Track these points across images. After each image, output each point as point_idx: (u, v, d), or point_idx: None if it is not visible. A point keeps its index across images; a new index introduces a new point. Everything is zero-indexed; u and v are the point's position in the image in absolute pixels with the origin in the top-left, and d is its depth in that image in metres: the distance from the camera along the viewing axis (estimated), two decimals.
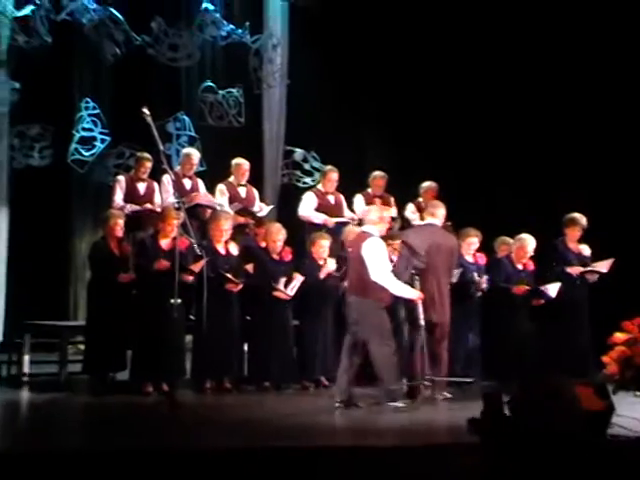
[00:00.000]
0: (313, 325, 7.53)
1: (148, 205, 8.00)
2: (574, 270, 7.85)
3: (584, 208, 8.08)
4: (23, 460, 4.58)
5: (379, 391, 6.46)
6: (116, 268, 7.05)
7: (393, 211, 8.72)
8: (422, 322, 6.62)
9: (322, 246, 7.62)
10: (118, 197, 8.08)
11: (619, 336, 5.45)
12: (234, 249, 7.48)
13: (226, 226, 7.38)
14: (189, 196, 7.94)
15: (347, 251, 6.98)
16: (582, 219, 7.97)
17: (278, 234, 7.51)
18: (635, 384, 5.39)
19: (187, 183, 8.30)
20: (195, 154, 8.49)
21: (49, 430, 5.66)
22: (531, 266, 7.94)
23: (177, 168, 8.50)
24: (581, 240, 8.06)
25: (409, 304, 6.73)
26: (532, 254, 7.88)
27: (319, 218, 8.47)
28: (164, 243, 7.09)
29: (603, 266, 7.78)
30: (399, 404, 6.31)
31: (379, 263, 6.39)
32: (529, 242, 7.86)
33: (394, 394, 6.36)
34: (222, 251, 7.37)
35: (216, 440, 5.30)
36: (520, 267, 7.89)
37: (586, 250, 8.03)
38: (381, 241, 6.52)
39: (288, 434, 5.46)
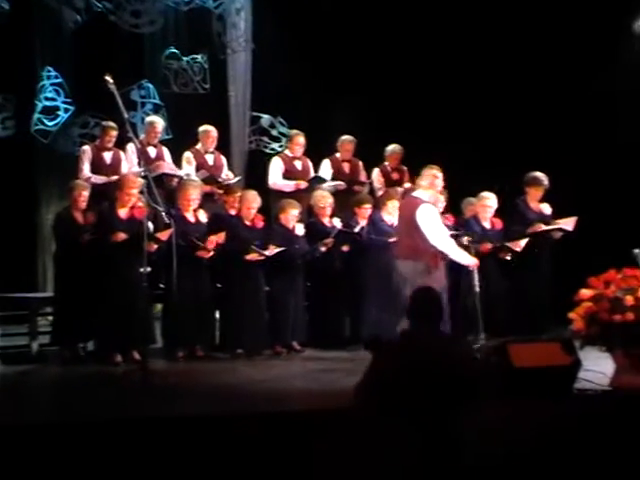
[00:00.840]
0: (284, 291, 7.54)
1: (114, 177, 7.91)
2: (538, 227, 7.90)
3: (546, 167, 8.13)
4: None
5: None
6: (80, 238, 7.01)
7: (364, 176, 8.76)
8: (477, 288, 6.79)
9: (292, 215, 7.63)
10: (85, 167, 8.00)
11: (585, 292, 5.51)
12: (203, 217, 7.46)
13: (194, 194, 7.35)
14: (154, 165, 7.88)
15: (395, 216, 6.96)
16: (544, 179, 8.01)
17: (253, 201, 7.49)
18: (601, 339, 5.47)
19: (152, 151, 8.23)
20: (159, 122, 8.41)
21: (21, 403, 5.65)
22: (499, 224, 8.02)
23: (142, 137, 8.41)
24: (542, 200, 8.11)
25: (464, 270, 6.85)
26: (494, 210, 7.93)
27: (289, 186, 8.45)
28: (122, 212, 7.06)
29: (568, 224, 7.85)
30: None
31: (436, 228, 6.50)
32: (489, 199, 7.93)
33: None
34: (191, 219, 7.35)
35: (189, 408, 5.33)
36: (488, 226, 7.96)
37: (547, 209, 8.10)
38: (433, 207, 6.60)
39: (262, 400, 5.49)
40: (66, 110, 9.21)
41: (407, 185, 8.71)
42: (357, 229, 7.82)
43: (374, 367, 3.93)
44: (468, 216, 8.10)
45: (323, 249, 7.61)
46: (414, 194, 6.78)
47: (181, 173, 8.09)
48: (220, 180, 8.26)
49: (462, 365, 3.72)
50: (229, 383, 6.16)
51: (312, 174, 8.64)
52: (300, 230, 7.67)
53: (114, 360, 6.89)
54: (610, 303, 5.41)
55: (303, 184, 8.43)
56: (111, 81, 6.24)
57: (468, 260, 6.71)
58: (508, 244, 7.76)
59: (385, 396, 3.79)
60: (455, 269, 7.02)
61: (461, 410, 3.70)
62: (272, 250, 7.34)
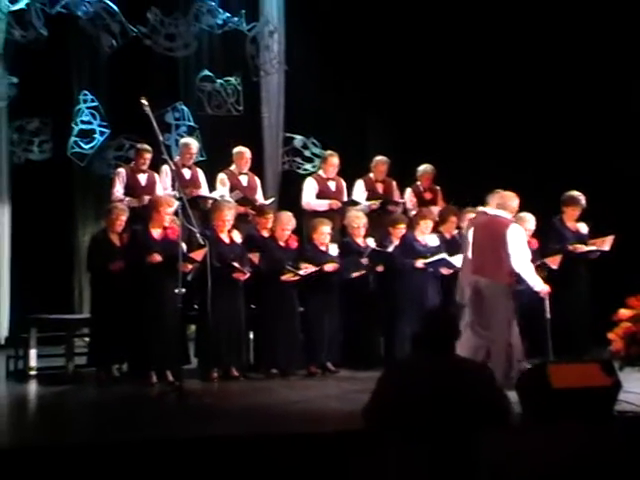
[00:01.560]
0: (318, 311, 7.53)
1: (145, 200, 7.94)
2: (576, 249, 7.83)
3: (582, 186, 8.06)
4: (33, 454, 4.58)
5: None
6: (115, 260, 7.06)
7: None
8: (548, 315, 6.79)
9: (323, 232, 7.63)
10: (118, 189, 8.07)
11: (624, 312, 5.44)
12: (238, 238, 7.48)
13: (229, 215, 7.38)
14: (189, 189, 7.91)
15: (467, 234, 6.86)
16: (581, 198, 7.95)
17: (288, 223, 7.52)
18: None
19: (187, 173, 8.28)
20: (194, 143, 8.48)
21: (57, 424, 5.68)
22: (535, 244, 7.94)
23: (176, 159, 8.49)
24: (579, 219, 8.04)
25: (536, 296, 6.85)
26: (532, 232, 7.88)
27: (323, 205, 8.46)
28: (156, 233, 7.09)
29: (604, 244, 7.77)
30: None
31: (522, 251, 6.54)
32: (528, 220, 7.86)
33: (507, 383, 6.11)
34: (226, 240, 7.37)
35: (224, 428, 5.32)
36: None
37: (583, 228, 8.02)
38: (522, 229, 6.70)
39: (297, 420, 5.48)
40: (102, 133, 9.34)
41: (439, 205, 8.71)
42: (390, 248, 7.80)
43: (379, 389, 3.86)
44: None
45: (356, 275, 7.58)
46: (498, 213, 6.74)
47: (215, 195, 8.13)
48: (255, 200, 8.29)
49: (478, 390, 3.61)
50: (264, 403, 6.15)
51: (346, 194, 8.65)
52: (334, 250, 7.65)
53: (149, 381, 6.90)
54: None
55: (337, 204, 8.44)
56: (146, 104, 6.31)
57: (542, 287, 6.73)
58: (545, 260, 7.67)
59: (390, 418, 3.72)
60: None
61: (479, 435, 3.60)
62: (307, 269, 7.34)
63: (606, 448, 4.82)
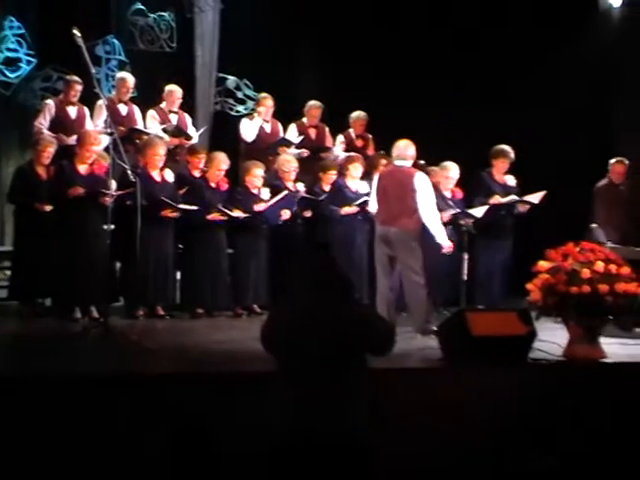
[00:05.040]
0: (246, 253, 7.55)
1: (66, 140, 7.66)
2: (497, 200, 7.95)
3: (513, 140, 8.20)
4: None
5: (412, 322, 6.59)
6: (41, 193, 6.94)
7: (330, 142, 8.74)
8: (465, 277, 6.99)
9: (256, 175, 7.61)
10: (42, 122, 7.76)
11: (543, 264, 5.61)
12: (170, 176, 7.41)
13: (161, 152, 7.30)
14: (124, 126, 7.75)
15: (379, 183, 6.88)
16: (510, 152, 8.07)
17: (222, 163, 7.46)
18: (557, 310, 5.58)
19: (122, 109, 8.10)
20: (130, 78, 8.26)
21: None
22: (459, 194, 8.08)
23: (110, 94, 8.30)
24: (507, 172, 8.19)
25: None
26: (456, 180, 7.99)
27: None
28: (82, 168, 6.99)
29: (534, 198, 7.94)
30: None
31: (429, 202, 6.59)
32: (452, 169, 7.97)
33: (427, 328, 6.39)
34: (157, 178, 7.30)
35: (148, 366, 5.32)
36: (448, 195, 8.00)
37: (511, 180, 8.16)
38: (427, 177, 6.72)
39: (220, 360, 5.52)
40: (28, 62, 9.04)
41: (370, 153, 8.75)
42: (321, 198, 7.81)
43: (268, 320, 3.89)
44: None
45: (286, 217, 7.60)
46: (402, 163, 6.76)
47: (150, 131, 7.99)
48: (187, 132, 8.17)
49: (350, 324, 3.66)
50: (189, 343, 6.17)
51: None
52: (265, 194, 7.64)
53: (73, 316, 6.84)
54: (567, 275, 5.51)
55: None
56: (79, 34, 6.13)
57: (445, 242, 6.77)
58: (469, 211, 7.79)
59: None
60: None
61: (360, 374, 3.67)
62: (240, 213, 7.32)
63: (520, 392, 5.02)
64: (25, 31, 9.00)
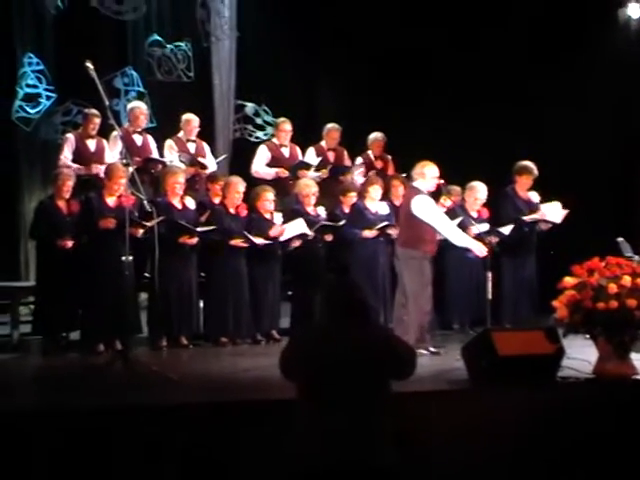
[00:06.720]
0: (263, 279, 7.48)
1: (94, 169, 7.78)
2: (527, 217, 7.89)
3: (535, 156, 8.12)
4: None
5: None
6: (62, 228, 6.95)
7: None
8: (490, 295, 6.85)
9: (267, 199, 7.56)
10: (66, 155, 7.86)
11: (569, 280, 5.50)
12: (191, 203, 7.41)
13: (181, 179, 7.30)
14: (139, 156, 7.78)
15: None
16: (534, 168, 8.01)
17: (238, 186, 7.43)
18: (584, 327, 5.48)
19: (137, 139, 8.14)
20: (142, 107, 8.31)
21: (1, 392, 5.59)
22: (485, 213, 7.99)
23: (126, 125, 8.34)
24: (531, 189, 8.11)
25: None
26: (484, 201, 7.93)
27: (270, 174, 8.40)
28: (110, 201, 7.00)
29: (557, 217, 7.85)
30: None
31: (437, 218, 6.62)
32: (480, 189, 7.90)
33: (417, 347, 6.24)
34: (178, 206, 7.30)
35: (171, 396, 5.29)
36: (475, 215, 7.92)
37: (535, 197, 8.08)
38: (427, 196, 6.70)
39: (249, 388, 5.47)
40: (48, 97, 9.13)
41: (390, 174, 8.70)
42: (342, 222, 7.75)
43: (289, 346, 3.83)
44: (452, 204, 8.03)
45: (297, 244, 7.53)
46: (413, 184, 6.82)
47: (166, 160, 8.02)
48: (203, 164, 8.18)
49: (375, 350, 3.61)
50: (214, 372, 6.12)
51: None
52: (278, 219, 7.59)
53: (98, 349, 6.83)
54: (593, 291, 5.40)
55: (284, 172, 8.38)
56: (91, 67, 6.16)
57: (473, 244, 6.75)
58: (499, 229, 7.72)
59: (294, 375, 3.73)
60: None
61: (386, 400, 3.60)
62: (261, 240, 7.28)
63: (548, 414, 4.91)
64: (44, 67, 9.09)
